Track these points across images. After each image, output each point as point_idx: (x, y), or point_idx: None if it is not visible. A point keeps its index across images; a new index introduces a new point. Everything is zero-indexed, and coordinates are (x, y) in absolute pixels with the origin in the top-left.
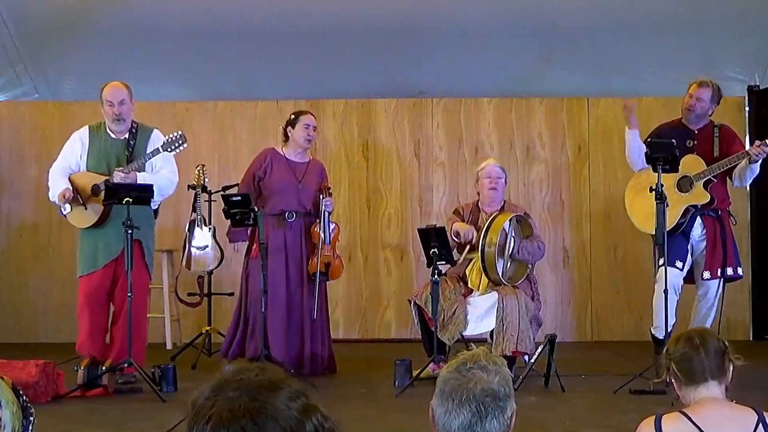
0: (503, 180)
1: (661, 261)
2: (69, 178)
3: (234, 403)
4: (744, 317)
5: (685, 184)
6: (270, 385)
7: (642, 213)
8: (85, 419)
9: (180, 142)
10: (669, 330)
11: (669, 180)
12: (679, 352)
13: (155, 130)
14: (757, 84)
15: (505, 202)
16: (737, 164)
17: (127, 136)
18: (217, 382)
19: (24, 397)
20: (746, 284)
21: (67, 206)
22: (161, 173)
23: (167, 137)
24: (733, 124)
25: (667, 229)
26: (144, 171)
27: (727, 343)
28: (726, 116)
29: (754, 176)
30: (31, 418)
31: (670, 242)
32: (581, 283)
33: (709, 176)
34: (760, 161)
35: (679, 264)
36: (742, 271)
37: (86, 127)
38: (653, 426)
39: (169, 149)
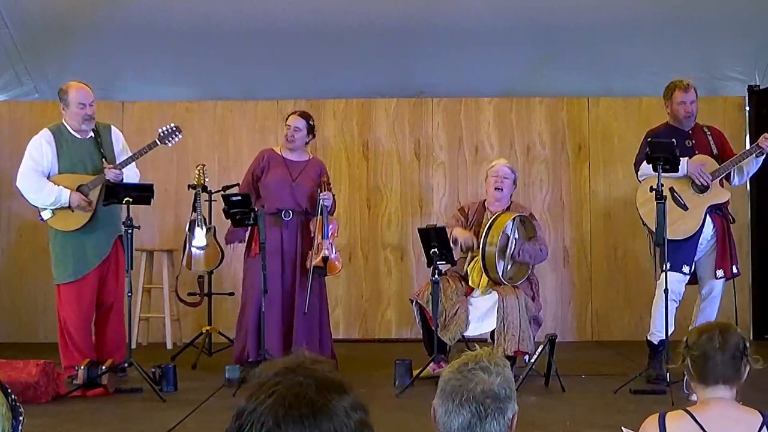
0: (510, 180)
1: (667, 265)
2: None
3: (301, 389)
4: (744, 317)
5: (701, 184)
6: (339, 387)
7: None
8: (85, 419)
9: (176, 133)
10: (667, 337)
11: (686, 182)
12: (698, 349)
13: (113, 126)
14: (757, 84)
15: (512, 202)
16: (747, 159)
17: (92, 134)
18: (290, 362)
19: (12, 396)
20: (746, 284)
21: (48, 211)
22: (130, 173)
23: (161, 130)
24: (733, 124)
25: (693, 233)
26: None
27: (748, 344)
28: (726, 116)
29: (752, 173)
30: (21, 418)
31: (684, 246)
32: (581, 283)
33: (724, 174)
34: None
35: (685, 269)
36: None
37: (45, 130)
38: (657, 424)
39: (165, 142)
